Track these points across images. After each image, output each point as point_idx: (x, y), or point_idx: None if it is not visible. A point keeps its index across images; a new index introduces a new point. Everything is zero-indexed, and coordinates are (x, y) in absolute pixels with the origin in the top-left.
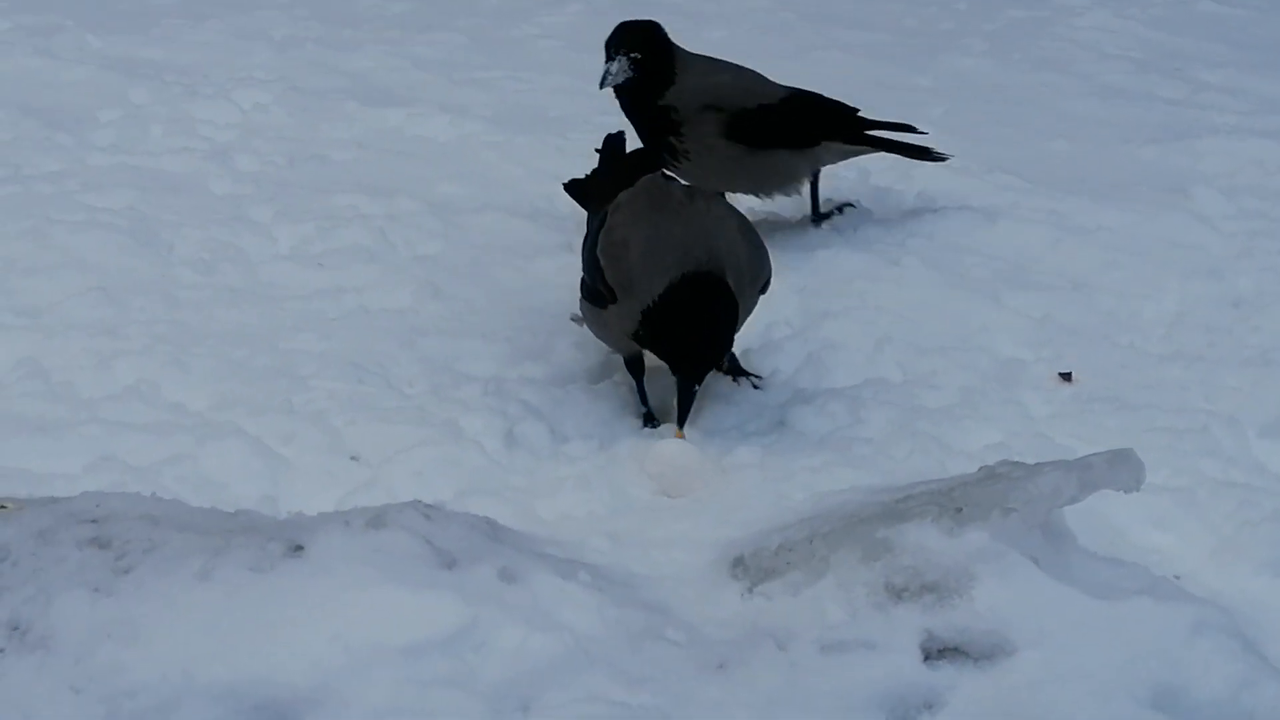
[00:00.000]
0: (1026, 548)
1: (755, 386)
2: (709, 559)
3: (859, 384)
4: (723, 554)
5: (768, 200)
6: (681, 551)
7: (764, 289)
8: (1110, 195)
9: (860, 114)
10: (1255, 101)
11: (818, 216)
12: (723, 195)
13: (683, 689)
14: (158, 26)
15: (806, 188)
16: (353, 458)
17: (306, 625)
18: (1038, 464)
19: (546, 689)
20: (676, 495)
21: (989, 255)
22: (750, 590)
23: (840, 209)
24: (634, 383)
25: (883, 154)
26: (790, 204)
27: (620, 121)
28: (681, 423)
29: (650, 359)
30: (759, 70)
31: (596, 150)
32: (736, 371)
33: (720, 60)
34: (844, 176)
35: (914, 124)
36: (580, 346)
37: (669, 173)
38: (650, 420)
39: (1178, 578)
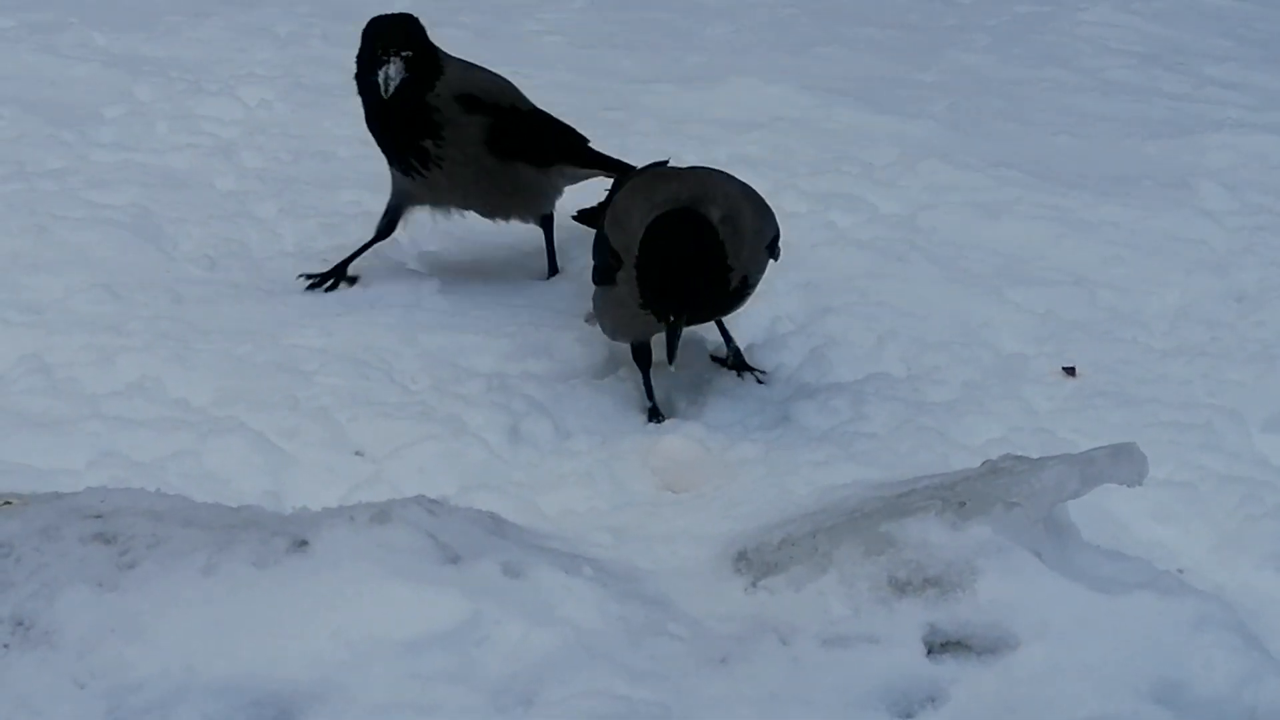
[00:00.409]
0: (1029, 542)
1: (759, 381)
2: (712, 553)
3: (862, 379)
4: (726, 549)
5: (502, 224)
6: (684, 546)
7: (774, 251)
8: (1113, 190)
9: (589, 143)
10: (1259, 96)
11: (553, 269)
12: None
13: (685, 684)
14: (161, 23)
15: (537, 223)
16: (356, 453)
17: (310, 620)
18: (1041, 458)
19: (549, 684)
20: (680, 490)
21: (992, 250)
22: (753, 585)
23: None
24: (640, 375)
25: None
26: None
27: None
28: (670, 358)
29: (659, 351)
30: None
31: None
32: (740, 366)
33: (471, 62)
34: (846, 173)
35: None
36: (584, 342)
37: (415, 183)
38: (655, 415)
39: (1180, 572)
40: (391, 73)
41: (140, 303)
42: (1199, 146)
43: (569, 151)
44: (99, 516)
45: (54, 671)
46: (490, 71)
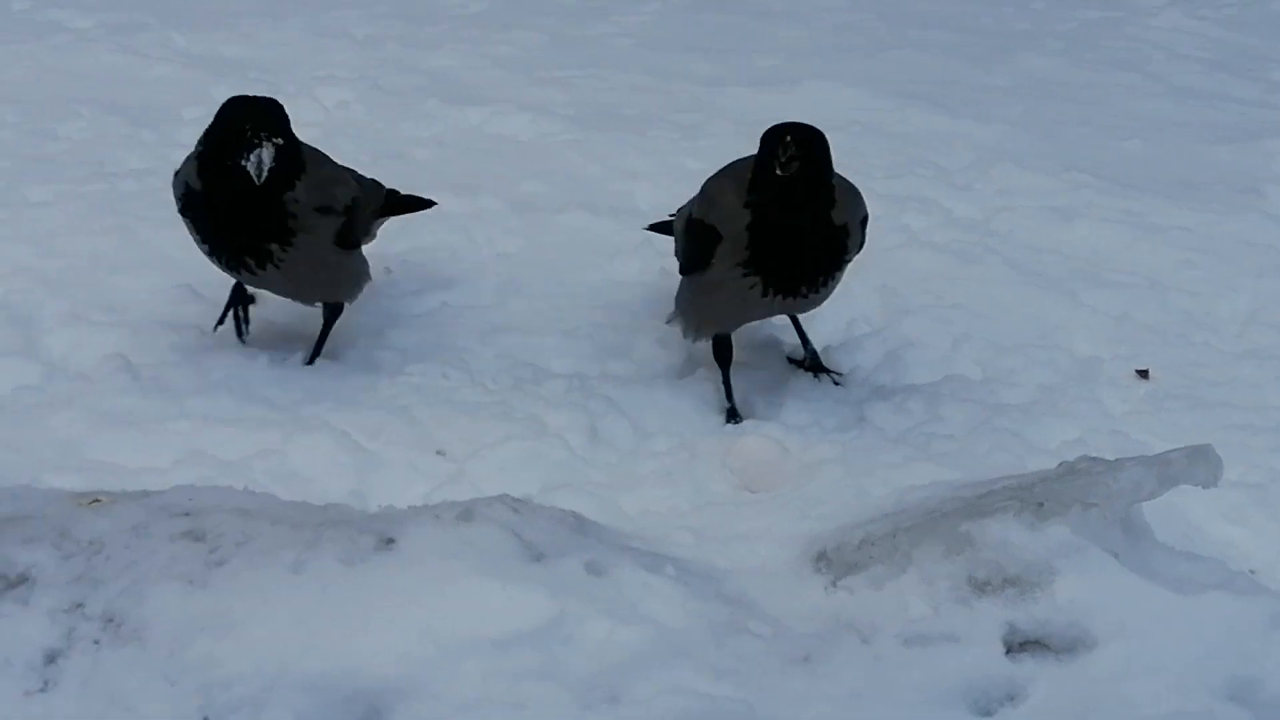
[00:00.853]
0: (1107, 542)
1: (835, 383)
2: (791, 553)
3: (938, 381)
4: (805, 548)
5: (314, 307)
6: (764, 546)
7: (862, 234)
8: (1184, 195)
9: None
10: None
11: (315, 354)
12: None
13: (767, 681)
14: (240, 24)
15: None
16: (438, 452)
17: (398, 617)
18: (1117, 460)
19: (634, 681)
20: (758, 490)
21: (1065, 254)
22: (833, 584)
23: None
24: (720, 375)
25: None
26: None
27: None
28: (788, 168)
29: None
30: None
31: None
32: (817, 368)
33: (313, 147)
34: (920, 176)
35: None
36: (662, 343)
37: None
38: (733, 416)
39: (1253, 572)
40: (265, 157)
41: (223, 303)
42: (1268, 151)
43: (390, 208)
44: (188, 514)
45: (145, 668)
46: (330, 159)
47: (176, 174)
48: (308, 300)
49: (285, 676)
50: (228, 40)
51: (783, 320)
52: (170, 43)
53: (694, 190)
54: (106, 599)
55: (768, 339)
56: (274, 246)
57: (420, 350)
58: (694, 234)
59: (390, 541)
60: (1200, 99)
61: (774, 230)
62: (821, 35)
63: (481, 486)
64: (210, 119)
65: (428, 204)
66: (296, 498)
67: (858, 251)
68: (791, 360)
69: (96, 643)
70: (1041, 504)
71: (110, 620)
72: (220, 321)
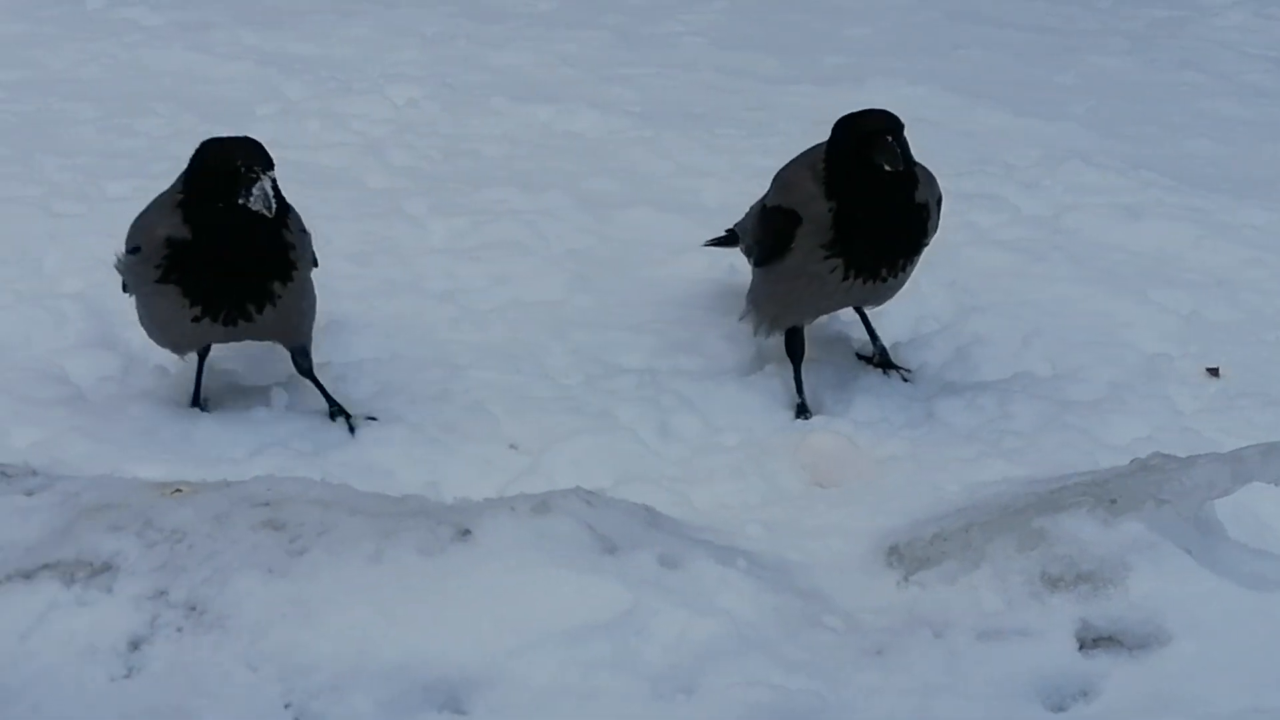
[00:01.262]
0: (1180, 539)
1: (904, 379)
2: (863, 548)
3: (1007, 378)
4: (877, 543)
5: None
6: (835, 540)
7: (939, 211)
8: (1252, 193)
9: None
10: None
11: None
12: None
13: (840, 674)
14: (309, 22)
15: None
16: (511, 446)
17: (475, 607)
18: (1190, 457)
19: (708, 672)
20: (828, 485)
21: (1133, 252)
22: (906, 579)
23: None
24: (791, 370)
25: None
26: None
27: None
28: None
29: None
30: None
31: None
32: (886, 364)
33: None
34: (988, 174)
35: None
36: (730, 339)
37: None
38: (803, 411)
39: None
40: (269, 189)
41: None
42: None
43: None
44: (268, 504)
45: (227, 655)
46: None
47: (134, 241)
48: (293, 340)
49: (365, 664)
50: (297, 38)
51: (850, 316)
52: (240, 40)
53: (761, 188)
54: (189, 587)
55: (836, 335)
56: (276, 284)
57: (491, 346)
58: (771, 221)
59: (467, 533)
60: (1268, 97)
61: (861, 210)
62: (888, 33)
63: (555, 480)
64: (281, 115)
65: None
66: (373, 490)
67: (934, 234)
68: (860, 356)
69: (179, 630)
70: (1114, 500)
71: (193, 608)
72: (196, 397)
